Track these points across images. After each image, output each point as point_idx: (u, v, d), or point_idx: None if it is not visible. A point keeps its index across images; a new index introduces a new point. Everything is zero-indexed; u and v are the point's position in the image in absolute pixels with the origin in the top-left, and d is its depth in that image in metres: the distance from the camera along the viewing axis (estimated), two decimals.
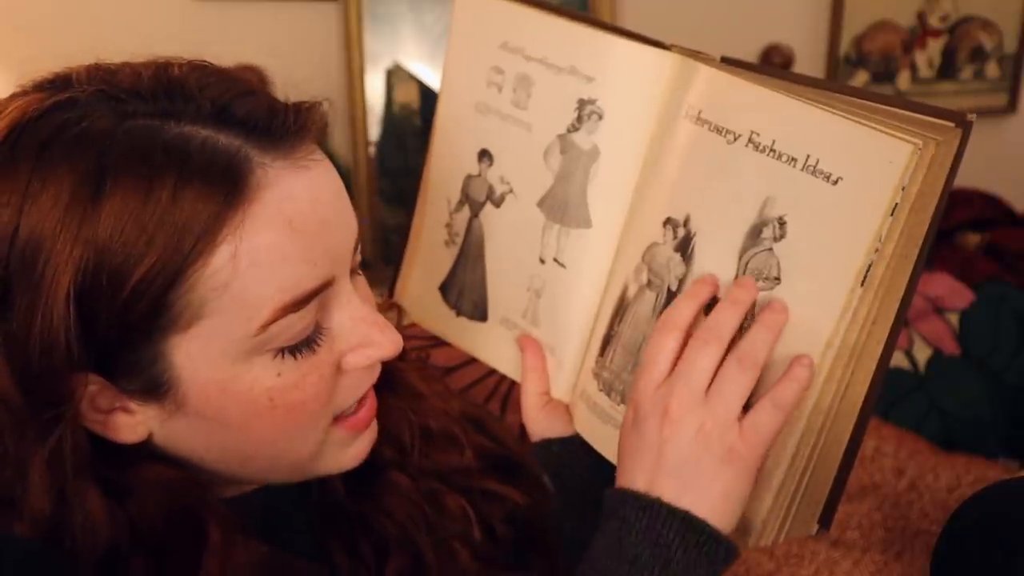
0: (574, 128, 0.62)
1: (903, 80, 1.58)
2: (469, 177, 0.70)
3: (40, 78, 0.50)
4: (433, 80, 1.39)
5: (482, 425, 0.73)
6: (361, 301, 0.53)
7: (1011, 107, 1.64)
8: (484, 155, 0.68)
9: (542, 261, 0.66)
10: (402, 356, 0.56)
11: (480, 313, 0.72)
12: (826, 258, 0.50)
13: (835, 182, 0.49)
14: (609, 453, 0.63)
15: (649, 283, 0.59)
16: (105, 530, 0.47)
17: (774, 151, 0.52)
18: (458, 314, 0.73)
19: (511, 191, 0.67)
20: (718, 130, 0.55)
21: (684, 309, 0.55)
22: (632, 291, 0.61)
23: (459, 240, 0.71)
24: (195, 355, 0.47)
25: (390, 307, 0.82)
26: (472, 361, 1.12)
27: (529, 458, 0.73)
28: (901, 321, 0.50)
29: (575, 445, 0.66)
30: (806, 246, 0.51)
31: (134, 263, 0.44)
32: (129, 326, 0.45)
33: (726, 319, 0.53)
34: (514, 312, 0.69)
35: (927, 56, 1.58)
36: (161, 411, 0.49)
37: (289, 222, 0.47)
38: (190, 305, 0.45)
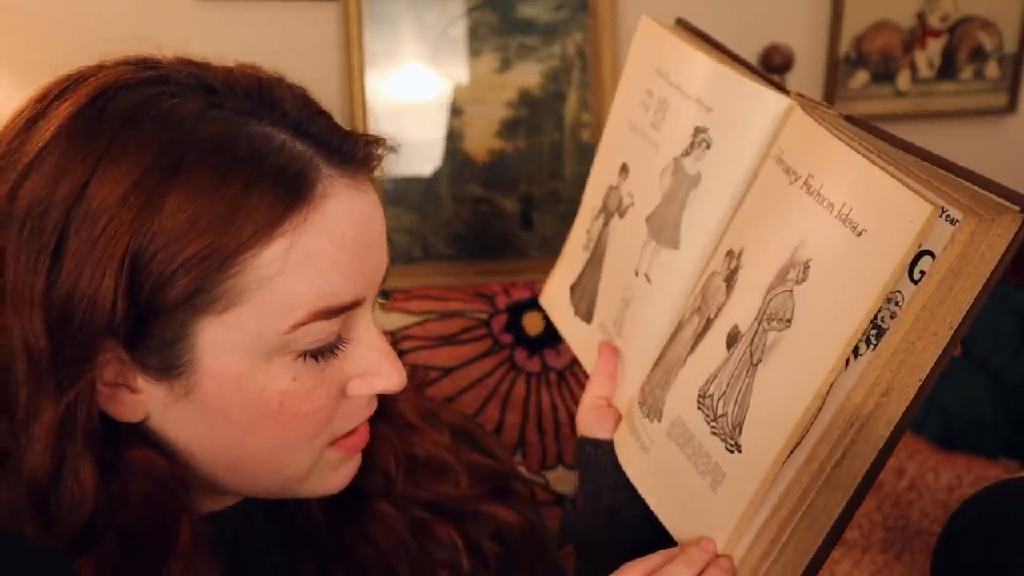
0: (687, 153, 0.64)
1: (903, 80, 1.58)
2: (610, 188, 0.73)
3: (124, 57, 0.52)
4: (430, 81, 1.39)
5: (476, 440, 0.74)
6: (377, 330, 0.55)
7: (1011, 107, 1.63)
8: (624, 169, 0.71)
9: (636, 274, 0.68)
10: None
11: (588, 315, 0.74)
12: (832, 308, 0.49)
13: (860, 233, 0.48)
14: (623, 460, 0.64)
15: (699, 308, 0.60)
16: (89, 505, 0.48)
17: (820, 195, 0.51)
18: (575, 313, 0.76)
19: (632, 204, 0.70)
20: (787, 170, 0.55)
21: (656, 560, 0.56)
22: (687, 315, 0.62)
23: (592, 246, 0.74)
24: (221, 342, 0.48)
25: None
26: (472, 361, 1.12)
27: (519, 473, 0.75)
28: (919, 403, 0.47)
29: (604, 450, 0.67)
30: (819, 293, 0.50)
31: (192, 239, 0.45)
32: (168, 298, 0.46)
33: (678, 574, 0.54)
34: (608, 318, 0.71)
35: (927, 56, 1.58)
36: (168, 393, 0.49)
37: (342, 235, 0.49)
38: (231, 290, 0.47)
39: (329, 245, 0.49)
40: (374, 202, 0.53)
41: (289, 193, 0.47)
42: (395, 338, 1.11)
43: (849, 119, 0.55)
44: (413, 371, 0.86)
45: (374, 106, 1.36)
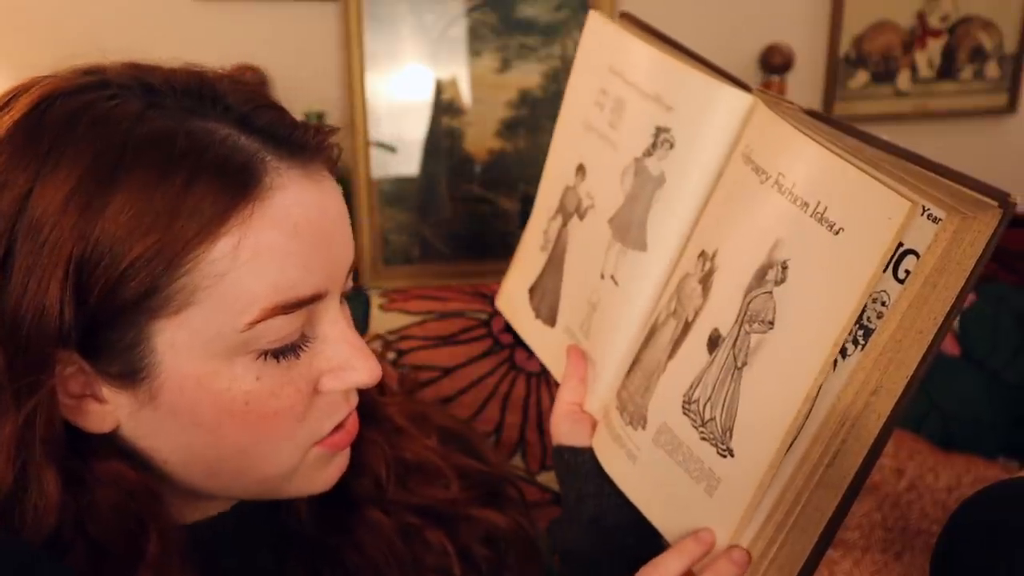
0: (648, 153, 0.64)
1: (903, 80, 1.58)
2: (567, 188, 0.72)
3: (72, 66, 0.51)
4: (430, 81, 1.39)
5: (467, 444, 0.74)
6: (347, 324, 0.53)
7: (1011, 107, 1.63)
8: (580, 169, 0.70)
9: (602, 276, 0.67)
10: (383, 390, 0.56)
11: (551, 319, 0.73)
12: (816, 308, 0.49)
13: (837, 232, 0.48)
14: (610, 470, 0.64)
15: (675, 312, 0.60)
16: (54, 517, 0.47)
17: (792, 194, 0.51)
18: (536, 316, 0.75)
19: (592, 206, 0.69)
20: (756, 169, 0.54)
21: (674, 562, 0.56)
22: (662, 318, 0.61)
23: (550, 247, 0.73)
24: (179, 344, 0.47)
25: (373, 338, 0.83)
26: (472, 361, 1.12)
27: (511, 476, 0.74)
28: (907, 400, 0.48)
29: (584, 457, 0.66)
30: (800, 293, 0.50)
31: (137, 239, 0.45)
32: (120, 302, 0.46)
33: (672, 568, 0.54)
34: (574, 322, 0.71)
35: (927, 56, 1.58)
36: (133, 400, 0.49)
37: (295, 226, 0.48)
38: (183, 290, 0.46)
39: (280, 238, 0.48)
40: (331, 191, 0.52)
41: (233, 186, 0.46)
42: (397, 337, 1.11)
43: (811, 113, 0.54)
44: (403, 376, 0.85)
45: (374, 106, 1.36)
